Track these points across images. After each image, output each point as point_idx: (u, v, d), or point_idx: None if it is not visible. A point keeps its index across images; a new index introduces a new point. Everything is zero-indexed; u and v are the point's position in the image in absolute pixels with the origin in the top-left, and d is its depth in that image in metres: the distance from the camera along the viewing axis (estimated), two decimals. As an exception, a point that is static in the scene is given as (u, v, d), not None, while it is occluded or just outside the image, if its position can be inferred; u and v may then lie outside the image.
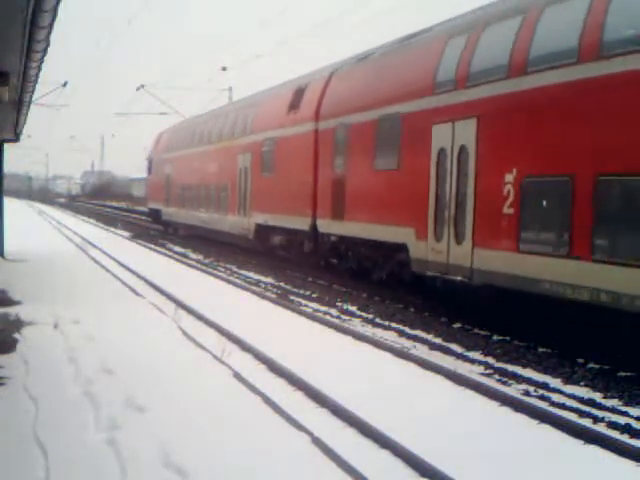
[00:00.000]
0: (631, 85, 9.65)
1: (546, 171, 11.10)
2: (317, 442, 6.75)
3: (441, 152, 13.47)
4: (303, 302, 16.10)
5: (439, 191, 13.55)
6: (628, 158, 9.62)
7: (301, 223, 19.58)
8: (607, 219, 9.96)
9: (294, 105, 20.75)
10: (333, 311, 15.05)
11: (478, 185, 12.49)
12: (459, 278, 12.85)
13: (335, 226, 17.93)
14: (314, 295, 17.00)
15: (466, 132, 12.79)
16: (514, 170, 11.61)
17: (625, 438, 7.50)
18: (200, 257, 26.30)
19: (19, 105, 16.16)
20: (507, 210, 11.72)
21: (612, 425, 7.98)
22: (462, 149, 12.87)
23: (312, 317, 13.89)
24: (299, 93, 20.72)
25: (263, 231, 22.72)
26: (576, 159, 10.47)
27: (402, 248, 14.71)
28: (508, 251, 11.67)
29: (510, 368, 10.42)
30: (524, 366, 10.53)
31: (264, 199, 22.51)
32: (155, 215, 38.68)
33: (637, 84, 9.55)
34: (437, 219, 13.57)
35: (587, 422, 7.99)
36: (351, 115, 17.14)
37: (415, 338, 12.45)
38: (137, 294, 16.14)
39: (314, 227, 18.99)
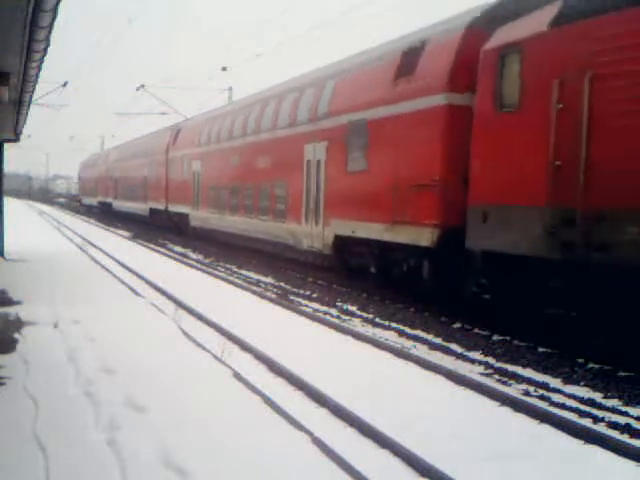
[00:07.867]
0: None
1: None
2: (317, 442, 6.75)
3: None
4: (303, 302, 16.10)
5: None
6: None
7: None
8: None
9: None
10: (333, 311, 15.05)
11: None
12: None
13: None
14: (314, 295, 17.01)
15: None
16: None
17: (625, 438, 7.49)
18: (200, 257, 26.31)
19: (19, 105, 16.16)
20: None
21: (612, 425, 7.97)
22: None
23: (312, 317, 13.90)
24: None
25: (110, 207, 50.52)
26: None
27: None
28: None
29: (510, 368, 10.42)
30: (524, 366, 10.53)
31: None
32: (81, 202, 73.89)
33: None
34: None
35: (587, 422, 7.98)
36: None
37: (415, 338, 12.44)
38: (137, 294, 16.14)
39: None
